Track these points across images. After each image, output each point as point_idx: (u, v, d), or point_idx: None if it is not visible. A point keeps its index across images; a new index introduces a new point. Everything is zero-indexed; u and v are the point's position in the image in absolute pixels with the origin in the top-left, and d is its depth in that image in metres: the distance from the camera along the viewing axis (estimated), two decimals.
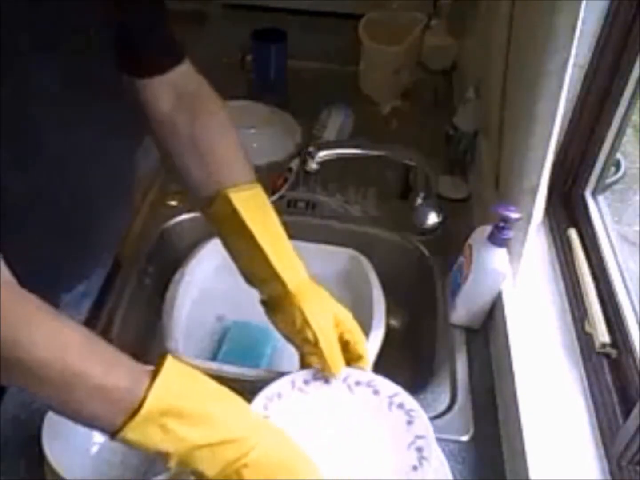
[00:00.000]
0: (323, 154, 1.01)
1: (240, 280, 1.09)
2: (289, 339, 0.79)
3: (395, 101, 1.39)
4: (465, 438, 0.80)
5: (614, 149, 1.01)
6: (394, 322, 1.06)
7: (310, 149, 1.02)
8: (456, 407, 0.83)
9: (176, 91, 0.78)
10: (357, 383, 0.78)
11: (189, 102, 0.79)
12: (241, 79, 1.44)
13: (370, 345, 0.89)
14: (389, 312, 0.95)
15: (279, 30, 1.39)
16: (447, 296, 0.96)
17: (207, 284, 1.07)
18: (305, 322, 0.74)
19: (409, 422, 0.76)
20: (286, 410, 0.76)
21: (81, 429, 0.72)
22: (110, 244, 0.92)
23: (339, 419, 0.77)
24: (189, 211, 1.10)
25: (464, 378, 0.87)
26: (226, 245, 0.81)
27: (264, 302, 0.80)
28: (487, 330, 0.93)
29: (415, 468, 0.73)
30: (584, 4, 0.71)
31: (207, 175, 0.78)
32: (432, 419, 0.81)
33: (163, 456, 0.58)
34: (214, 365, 0.87)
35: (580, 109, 0.99)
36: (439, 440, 0.77)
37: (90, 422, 0.60)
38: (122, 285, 0.97)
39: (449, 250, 1.01)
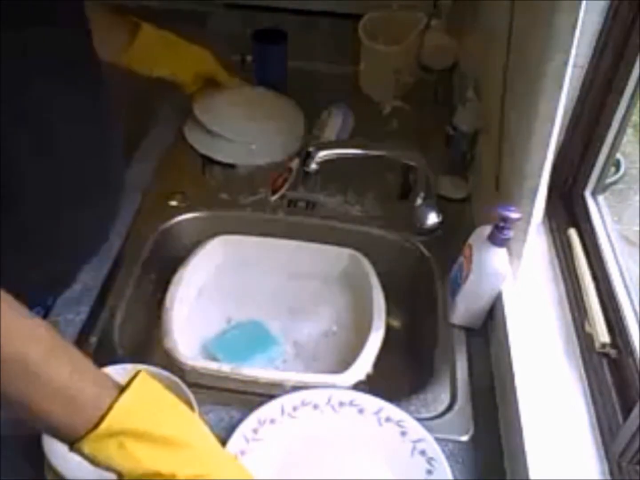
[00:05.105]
0: (323, 154, 1.01)
1: (240, 279, 1.09)
2: None
3: (395, 101, 1.38)
4: (465, 438, 0.80)
5: (614, 149, 1.01)
6: (394, 322, 1.06)
7: (310, 149, 1.01)
8: (456, 407, 0.83)
9: None
10: (341, 404, 0.80)
11: None
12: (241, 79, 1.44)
13: (370, 346, 0.89)
14: (389, 312, 0.95)
15: (279, 30, 1.39)
16: (447, 296, 0.96)
17: (207, 283, 1.07)
18: None
19: (403, 433, 0.77)
20: (279, 435, 0.77)
21: None
22: (105, 227, 0.91)
23: (336, 443, 0.78)
24: (189, 211, 1.10)
25: (464, 378, 0.87)
26: None
27: None
28: (487, 330, 0.93)
29: (430, 472, 0.74)
30: (584, 4, 0.71)
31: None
32: (432, 419, 0.82)
33: (115, 473, 0.56)
34: (224, 367, 0.86)
35: (580, 109, 0.99)
36: (438, 440, 0.77)
37: (51, 429, 0.57)
38: (122, 286, 0.97)
39: (449, 250, 1.01)
